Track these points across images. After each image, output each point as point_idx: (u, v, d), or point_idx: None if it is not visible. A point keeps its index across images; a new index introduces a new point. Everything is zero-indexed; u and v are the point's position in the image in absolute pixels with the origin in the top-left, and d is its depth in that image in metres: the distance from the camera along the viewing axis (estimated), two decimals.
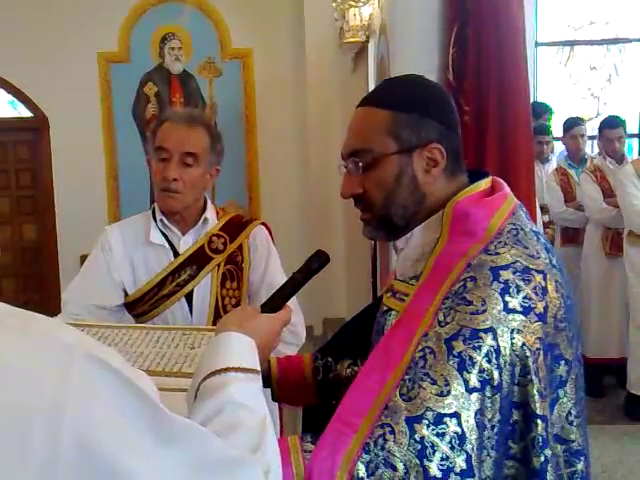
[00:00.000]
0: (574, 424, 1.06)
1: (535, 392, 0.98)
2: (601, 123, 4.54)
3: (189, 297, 1.91)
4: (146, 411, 0.68)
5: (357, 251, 5.44)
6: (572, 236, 4.66)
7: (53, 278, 6.10)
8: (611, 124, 4.41)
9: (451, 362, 0.96)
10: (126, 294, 1.91)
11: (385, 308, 1.21)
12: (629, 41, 6.09)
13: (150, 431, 0.68)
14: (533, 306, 0.99)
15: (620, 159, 4.42)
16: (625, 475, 3.27)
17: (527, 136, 2.91)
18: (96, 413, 0.64)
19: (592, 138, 5.30)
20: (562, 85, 6.18)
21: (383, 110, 1.14)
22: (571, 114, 5.62)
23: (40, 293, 6.16)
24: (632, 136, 5.77)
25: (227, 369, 0.93)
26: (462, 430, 0.93)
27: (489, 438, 0.96)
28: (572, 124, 4.81)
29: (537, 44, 6.01)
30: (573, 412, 1.06)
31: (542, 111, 5.24)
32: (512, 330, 0.97)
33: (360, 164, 1.15)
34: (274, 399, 1.46)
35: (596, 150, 5.24)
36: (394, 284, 1.21)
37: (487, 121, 2.84)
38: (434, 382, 0.96)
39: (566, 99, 6.09)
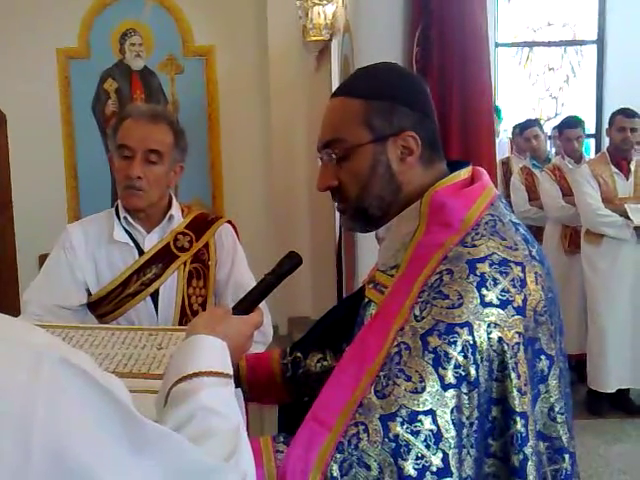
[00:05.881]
0: (557, 420, 1.03)
1: (513, 388, 0.95)
2: (560, 123, 4.63)
3: (154, 296, 1.87)
4: (119, 417, 0.66)
5: (322, 250, 5.45)
6: (535, 235, 4.70)
7: (11, 278, 5.95)
8: (570, 124, 4.49)
9: (426, 358, 0.93)
10: (89, 294, 1.87)
11: (366, 300, 1.18)
12: (585, 43, 6.23)
13: (123, 437, 0.66)
14: (511, 299, 0.97)
15: (578, 159, 4.50)
16: (585, 469, 3.28)
17: (489, 133, 2.96)
18: (67, 419, 0.62)
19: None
20: (521, 85, 6.29)
21: (355, 99, 1.12)
22: (530, 114, 5.72)
23: None
24: (589, 136, 5.90)
25: (198, 373, 0.90)
26: (438, 428, 0.91)
27: (468, 436, 0.93)
28: (525, 126, 4.87)
29: (497, 45, 6.11)
30: (556, 408, 1.03)
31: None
32: (489, 324, 0.94)
33: (334, 155, 1.13)
34: (246, 399, 1.43)
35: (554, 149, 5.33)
36: (375, 275, 1.18)
37: (450, 119, 2.88)
38: (409, 378, 0.93)
39: (525, 99, 6.20)
